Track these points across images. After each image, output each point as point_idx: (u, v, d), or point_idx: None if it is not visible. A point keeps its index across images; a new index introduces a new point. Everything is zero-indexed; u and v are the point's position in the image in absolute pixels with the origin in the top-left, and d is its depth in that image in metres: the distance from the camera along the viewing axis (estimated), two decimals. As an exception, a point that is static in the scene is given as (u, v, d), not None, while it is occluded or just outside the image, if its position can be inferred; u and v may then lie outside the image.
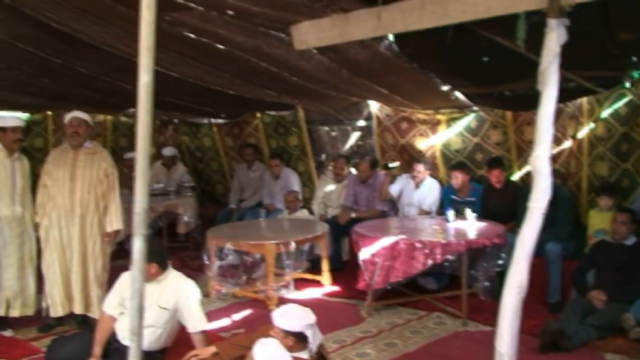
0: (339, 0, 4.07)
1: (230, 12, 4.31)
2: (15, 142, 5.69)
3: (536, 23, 3.46)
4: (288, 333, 3.61)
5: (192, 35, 5.04)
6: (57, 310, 5.74)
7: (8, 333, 5.74)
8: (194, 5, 4.19)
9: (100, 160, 5.87)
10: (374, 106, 8.04)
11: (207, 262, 6.84)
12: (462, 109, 7.22)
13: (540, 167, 3.32)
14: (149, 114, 2.05)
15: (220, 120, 10.24)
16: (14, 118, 5.96)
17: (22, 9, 4.81)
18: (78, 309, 5.75)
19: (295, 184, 8.75)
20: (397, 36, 4.67)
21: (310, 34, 4.56)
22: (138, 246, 2.18)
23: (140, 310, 2.18)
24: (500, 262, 5.84)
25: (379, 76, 5.96)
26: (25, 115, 9.46)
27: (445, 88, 6.15)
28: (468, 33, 4.37)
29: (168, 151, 10.09)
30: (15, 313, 5.72)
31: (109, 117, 10.80)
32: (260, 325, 5.52)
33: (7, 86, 7.45)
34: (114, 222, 5.86)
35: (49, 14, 4.94)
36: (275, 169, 8.85)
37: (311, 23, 4.50)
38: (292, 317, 3.66)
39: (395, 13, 4.00)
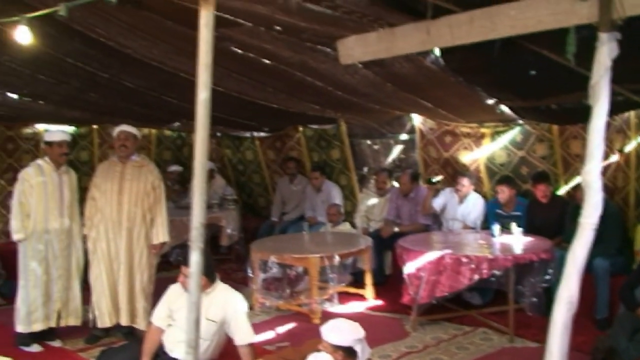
0: (386, 15, 4.07)
1: (278, 28, 4.35)
2: (61, 156, 5.80)
3: (586, 37, 3.42)
4: (337, 347, 3.60)
5: (239, 51, 5.09)
6: (104, 321, 5.83)
7: (56, 343, 5.85)
8: (242, 22, 4.24)
9: (147, 173, 5.96)
10: (417, 120, 8.02)
11: (250, 275, 6.87)
12: (507, 123, 7.16)
13: (591, 181, 3.28)
14: (207, 129, 2.08)
15: (262, 134, 10.31)
16: (60, 132, 6.08)
17: (72, 25, 4.91)
18: (124, 320, 5.83)
19: (337, 197, 8.75)
20: (443, 50, 4.66)
21: (357, 49, 4.58)
22: (195, 259, 2.18)
23: (197, 323, 2.20)
24: (548, 277, 5.76)
25: (424, 90, 5.94)
26: (71, 129, 9.65)
27: (490, 101, 6.10)
28: (515, 46, 4.33)
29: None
30: (63, 323, 5.83)
31: (153, 131, 10.94)
32: (304, 338, 5.57)
33: (55, 100, 7.61)
34: (161, 235, 5.95)
35: (99, 29, 5.02)
36: (316, 182, 8.87)
37: (357, 38, 4.51)
38: (341, 331, 3.65)
39: (444, 27, 3.99)
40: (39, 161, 5.86)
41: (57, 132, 6.07)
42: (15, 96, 7.37)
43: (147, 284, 5.91)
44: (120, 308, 5.85)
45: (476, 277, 5.57)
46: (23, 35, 3.83)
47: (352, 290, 7.11)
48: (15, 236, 5.65)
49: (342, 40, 4.60)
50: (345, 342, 3.61)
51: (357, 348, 3.63)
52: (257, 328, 5.75)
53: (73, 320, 5.90)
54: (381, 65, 5.05)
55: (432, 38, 4.03)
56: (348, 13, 3.95)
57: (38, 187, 5.66)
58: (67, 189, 5.82)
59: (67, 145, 5.92)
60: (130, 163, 5.95)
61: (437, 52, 4.74)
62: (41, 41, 4.06)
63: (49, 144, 5.82)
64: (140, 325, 5.85)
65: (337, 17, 4.00)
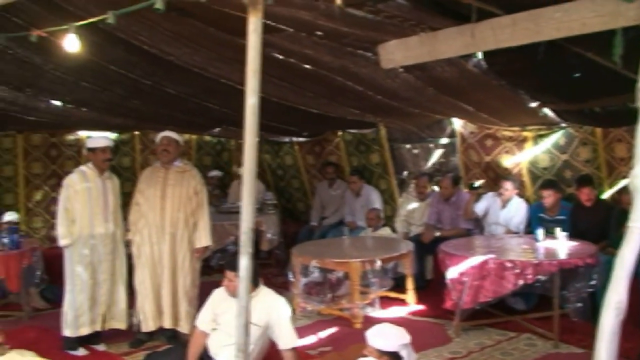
0: (428, 19, 4.05)
1: (320, 33, 4.36)
2: (104, 162, 5.87)
3: (633, 38, 3.37)
4: (383, 353, 3.58)
5: (280, 56, 5.11)
6: (148, 325, 5.89)
7: (101, 347, 5.92)
8: (285, 28, 4.26)
9: (190, 178, 6.01)
10: (457, 123, 7.96)
11: (292, 279, 6.88)
12: (550, 126, 7.06)
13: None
14: (255, 134, 2.09)
15: (301, 139, 10.34)
16: (103, 138, 6.14)
17: (116, 33, 4.98)
18: (167, 324, 5.89)
19: (376, 201, 8.73)
20: (486, 53, 4.63)
21: (398, 53, 4.56)
22: (244, 264, 2.19)
23: (247, 327, 2.21)
24: (593, 282, 5.66)
25: (465, 93, 5.91)
26: (113, 135, 9.78)
27: (533, 104, 6.04)
28: (559, 49, 4.28)
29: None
30: (108, 326, 5.92)
31: (193, 137, 11.05)
32: (346, 343, 5.57)
33: (98, 107, 7.74)
34: (203, 239, 6.00)
35: (142, 37, 5.09)
36: (354, 186, 8.85)
37: (399, 42, 4.49)
38: (387, 336, 3.63)
39: (487, 30, 3.96)
40: (83, 167, 5.94)
41: (100, 138, 6.13)
42: (59, 103, 7.52)
43: (191, 288, 5.96)
44: (163, 312, 5.91)
45: (521, 282, 5.50)
46: (72, 44, 3.88)
47: (393, 295, 7.07)
48: (62, 242, 5.72)
49: (383, 45, 4.59)
50: (391, 347, 3.59)
51: (403, 353, 3.61)
52: (299, 332, 5.72)
53: (117, 324, 5.97)
54: (422, 69, 5.04)
55: (475, 41, 4.01)
56: (390, 17, 3.95)
57: (82, 193, 5.74)
58: (110, 195, 5.90)
59: (110, 151, 5.99)
60: (173, 168, 6.02)
61: (479, 55, 4.71)
62: (85, 49, 4.12)
63: (92, 150, 5.89)
64: (183, 328, 5.90)
65: (379, 21, 4.00)
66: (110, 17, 3.23)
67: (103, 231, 5.79)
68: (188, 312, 5.89)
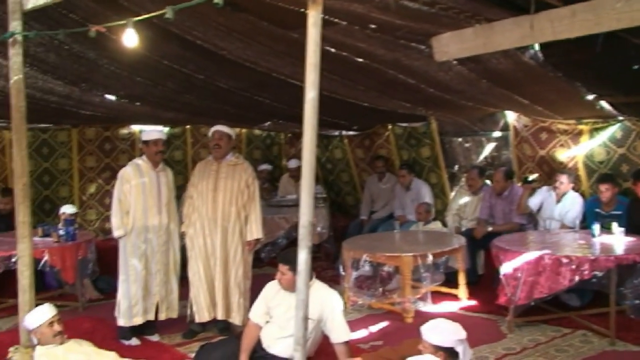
0: (485, 10, 3.99)
1: (373, 26, 4.33)
2: (157, 154, 5.95)
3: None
4: (438, 348, 3.55)
5: (332, 50, 5.09)
6: (202, 315, 5.98)
7: (155, 338, 6.00)
8: (338, 21, 4.24)
9: (242, 171, 6.06)
10: (511, 116, 7.82)
11: (342, 273, 6.88)
12: (606, 119, 6.89)
13: None
14: (315, 128, 2.07)
15: (351, 132, 10.31)
16: (156, 131, 6.24)
17: (170, 28, 5.03)
18: (220, 315, 5.96)
19: (426, 195, 8.66)
20: (543, 44, 4.54)
21: (452, 45, 4.51)
22: (303, 258, 2.19)
23: (305, 320, 2.21)
24: (651, 279, 5.53)
25: (520, 86, 5.81)
26: (165, 129, 9.91)
27: (590, 97, 5.90)
28: (618, 40, 4.18)
29: (293, 163, 10.25)
30: (162, 316, 5.99)
31: (243, 130, 11.11)
32: (398, 337, 5.55)
33: (151, 102, 7.82)
34: (255, 231, 6.05)
35: (196, 32, 5.13)
36: (403, 179, 8.80)
37: (453, 34, 4.44)
38: (443, 331, 3.60)
39: (544, 22, 3.88)
40: (138, 160, 6.04)
41: (153, 131, 6.23)
42: (113, 98, 7.62)
43: (243, 280, 6.01)
44: (216, 303, 5.98)
45: (577, 278, 5.37)
46: (130, 39, 3.93)
47: (445, 289, 7.01)
48: (116, 233, 5.83)
49: (437, 37, 4.55)
50: (446, 342, 3.55)
51: (459, 349, 3.57)
52: (350, 326, 5.72)
53: (171, 313, 6.05)
54: (476, 61, 4.97)
55: (533, 33, 3.93)
56: (445, 9, 3.90)
57: (137, 185, 5.83)
58: (164, 187, 5.97)
59: (163, 144, 6.05)
60: (225, 162, 6.08)
61: (536, 47, 4.62)
62: (140, 44, 4.17)
63: (146, 142, 5.99)
64: (235, 319, 5.97)
65: (433, 13, 3.95)
66: (168, 12, 3.25)
67: (156, 223, 5.87)
68: (240, 303, 5.96)
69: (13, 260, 6.26)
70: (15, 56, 4.39)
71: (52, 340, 4.38)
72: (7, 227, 7.60)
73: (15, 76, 4.38)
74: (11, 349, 4.51)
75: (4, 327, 6.53)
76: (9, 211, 7.53)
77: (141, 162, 5.98)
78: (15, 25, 4.33)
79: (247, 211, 6.04)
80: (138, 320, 5.83)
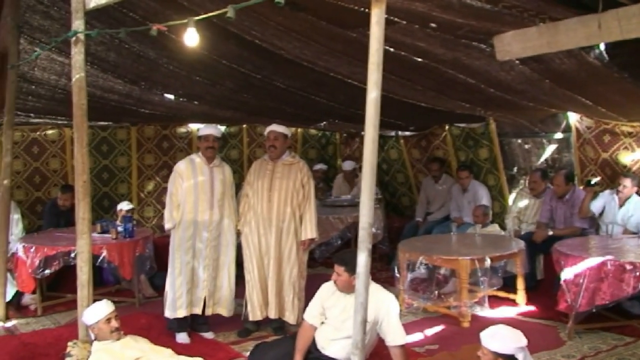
0: (550, 9, 3.88)
1: (433, 25, 4.25)
2: (207, 150, 6.00)
3: None
4: (498, 355, 3.46)
5: (391, 49, 5.03)
6: (255, 314, 6.01)
7: (209, 335, 6.05)
8: (398, 20, 4.18)
9: (297, 171, 6.06)
10: (573, 118, 7.62)
11: (397, 275, 6.80)
12: (673, 122, 6.67)
13: None
14: (376, 128, 2.03)
15: (407, 133, 10.21)
16: (208, 127, 6.27)
17: (229, 27, 5.04)
18: (273, 314, 5.97)
19: (484, 197, 8.50)
20: (609, 44, 4.40)
21: (515, 44, 4.40)
22: (363, 260, 2.15)
23: (364, 324, 2.16)
24: None
25: (584, 86, 5.64)
26: (222, 128, 9.98)
27: (657, 98, 5.71)
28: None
29: (348, 165, 10.21)
30: (208, 312, 6.03)
31: (299, 130, 11.12)
32: (453, 342, 5.47)
33: (209, 101, 7.89)
34: (309, 231, 6.04)
35: (254, 31, 5.13)
36: (465, 181, 8.65)
37: (516, 33, 4.33)
38: (503, 338, 3.51)
39: (612, 21, 3.75)
40: (193, 156, 6.14)
41: (206, 127, 6.30)
42: (172, 97, 7.71)
43: (297, 279, 6.02)
44: (269, 302, 6.00)
45: (641, 285, 5.22)
46: (191, 38, 3.95)
47: (502, 294, 6.87)
48: (166, 225, 6.01)
49: (499, 36, 4.44)
50: (507, 349, 3.46)
51: (519, 356, 3.48)
52: (405, 329, 5.67)
53: (220, 310, 6.08)
54: (539, 61, 4.84)
55: (599, 32, 3.81)
56: (508, 8, 3.80)
57: (189, 180, 5.91)
58: (218, 183, 6.01)
59: (214, 140, 6.07)
60: (281, 161, 6.09)
61: (602, 46, 4.48)
62: (198, 44, 4.19)
63: (199, 138, 6.12)
64: (289, 318, 5.98)
65: (496, 12, 3.86)
66: (230, 11, 3.25)
67: (207, 218, 5.92)
68: (294, 302, 5.97)
69: (72, 255, 6.39)
70: (77, 54, 4.45)
71: (110, 336, 4.43)
72: (66, 223, 7.78)
73: (77, 74, 4.44)
74: (70, 343, 4.57)
75: (62, 321, 6.67)
76: (69, 207, 7.70)
77: (196, 157, 6.06)
78: (77, 24, 4.39)
79: (302, 211, 6.04)
80: (182, 313, 5.89)
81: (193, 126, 9.93)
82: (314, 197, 6.16)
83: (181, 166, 6.02)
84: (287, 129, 6.19)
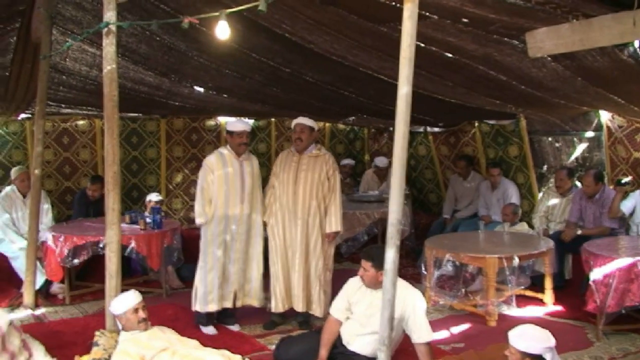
0: (584, 5, 3.83)
1: (465, 20, 4.22)
2: (240, 146, 6.01)
3: None
4: (526, 355, 3.43)
5: (421, 44, 4.99)
6: (277, 306, 6.06)
7: (235, 328, 6.08)
8: (429, 15, 4.15)
9: (323, 163, 6.05)
10: (605, 116, 7.51)
11: (424, 272, 6.77)
12: None
13: None
14: (407, 124, 2.01)
15: (436, 129, 10.15)
16: (241, 123, 6.25)
17: (259, 21, 5.05)
18: (299, 307, 6.00)
19: (514, 195, 8.43)
20: (643, 41, 4.33)
21: (547, 41, 4.35)
22: (391, 257, 2.13)
23: (391, 320, 2.15)
24: None
25: (616, 84, 5.56)
26: (251, 121, 10.02)
27: (692, 98, 5.62)
28: None
29: (380, 162, 10.15)
30: (239, 304, 6.07)
31: (327, 124, 11.11)
32: (479, 340, 5.44)
33: (239, 94, 7.91)
34: (334, 224, 6.03)
35: (284, 25, 5.13)
36: (496, 179, 8.56)
37: (548, 29, 4.28)
38: (531, 338, 3.47)
39: (646, 17, 3.70)
40: (222, 149, 6.14)
41: (238, 122, 6.28)
42: (201, 89, 7.74)
43: (323, 272, 6.03)
44: (293, 294, 6.03)
45: (672, 287, 5.14)
46: (223, 31, 3.95)
47: (530, 293, 6.81)
48: (197, 220, 5.97)
49: (531, 33, 4.39)
50: (535, 349, 3.43)
51: (547, 357, 3.44)
52: (431, 327, 5.68)
53: (251, 301, 6.13)
54: (572, 58, 4.77)
55: (635, 29, 3.74)
56: (542, 4, 3.75)
57: (220, 175, 5.92)
58: (248, 176, 6.03)
59: (247, 136, 6.09)
60: (307, 154, 6.12)
61: (636, 44, 4.41)
62: (229, 37, 4.20)
63: (230, 133, 6.06)
64: (315, 311, 6.00)
65: (529, 8, 3.82)
66: (261, 4, 3.24)
67: (238, 212, 5.94)
68: (321, 295, 5.98)
69: (101, 245, 6.45)
70: (108, 46, 4.48)
71: (137, 327, 4.46)
72: (95, 213, 7.86)
73: (109, 66, 4.47)
74: (97, 332, 4.62)
75: (89, 310, 6.74)
76: (98, 198, 7.78)
77: (226, 151, 6.06)
78: (109, 15, 4.42)
79: (327, 203, 6.03)
80: (213, 307, 5.92)
81: (222, 119, 9.98)
82: (339, 190, 6.14)
83: (211, 159, 6.03)
84: (313, 122, 6.19)
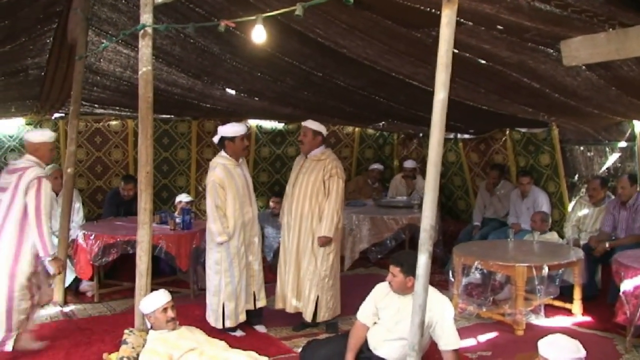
0: (621, 14, 3.79)
1: (500, 27, 4.20)
2: (244, 150, 6.10)
3: None
4: (555, 365, 3.41)
5: (455, 50, 4.97)
6: (278, 304, 6.22)
7: (262, 329, 6.09)
8: (464, 21, 4.14)
9: (324, 166, 6.07)
10: (638, 126, 7.42)
11: (452, 279, 6.74)
12: None
13: None
14: (443, 130, 2.02)
15: (466, 136, 10.10)
16: (239, 125, 6.14)
17: (293, 25, 5.07)
18: (289, 308, 6.11)
19: (544, 204, 8.33)
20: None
21: (582, 50, 4.31)
22: (423, 262, 2.13)
23: (421, 327, 2.15)
24: None
25: (651, 94, 5.52)
26: (280, 125, 10.08)
27: None
28: None
29: (409, 163, 10.16)
30: (259, 304, 6.10)
31: (357, 129, 11.12)
32: (507, 349, 5.40)
33: (270, 97, 7.95)
34: (323, 229, 5.97)
35: (317, 29, 5.15)
36: (527, 187, 8.48)
37: (584, 38, 4.25)
38: (562, 348, 3.45)
39: (684, 27, 3.66)
40: (220, 160, 5.96)
41: (236, 125, 6.13)
42: (233, 92, 7.80)
43: (316, 275, 6.00)
44: (286, 295, 6.16)
45: None
46: (259, 35, 3.97)
47: (558, 303, 6.74)
48: (219, 239, 5.78)
49: (566, 41, 4.36)
50: (565, 359, 3.41)
51: (577, 368, 3.42)
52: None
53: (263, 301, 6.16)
54: (607, 67, 4.74)
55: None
56: (578, 12, 3.72)
57: (230, 186, 5.86)
58: (248, 177, 6.11)
59: (246, 138, 6.13)
60: (310, 157, 6.16)
61: (672, 54, 4.36)
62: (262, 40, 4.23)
63: (232, 139, 5.93)
64: (305, 315, 6.03)
65: (565, 16, 3.80)
66: (298, 9, 3.26)
67: (250, 215, 6.02)
68: (310, 298, 6.00)
69: (130, 244, 6.52)
70: (144, 48, 4.52)
71: (165, 326, 4.50)
72: (126, 212, 7.95)
73: (144, 67, 4.51)
74: (126, 331, 4.66)
75: (118, 309, 6.81)
76: (131, 197, 7.86)
77: (225, 160, 5.94)
78: (146, 17, 4.46)
79: (323, 207, 6.02)
80: (243, 318, 5.96)
81: (252, 122, 10.03)
82: (337, 195, 6.01)
83: (219, 174, 5.82)
84: (319, 126, 6.18)
